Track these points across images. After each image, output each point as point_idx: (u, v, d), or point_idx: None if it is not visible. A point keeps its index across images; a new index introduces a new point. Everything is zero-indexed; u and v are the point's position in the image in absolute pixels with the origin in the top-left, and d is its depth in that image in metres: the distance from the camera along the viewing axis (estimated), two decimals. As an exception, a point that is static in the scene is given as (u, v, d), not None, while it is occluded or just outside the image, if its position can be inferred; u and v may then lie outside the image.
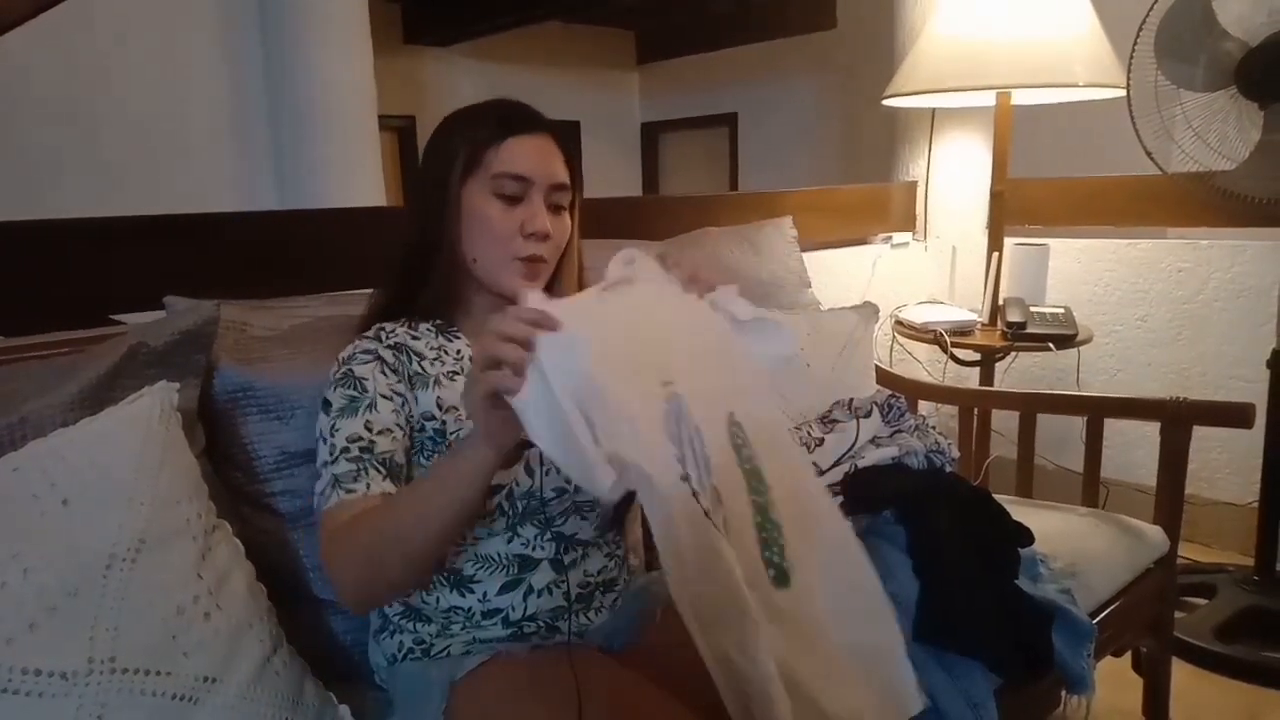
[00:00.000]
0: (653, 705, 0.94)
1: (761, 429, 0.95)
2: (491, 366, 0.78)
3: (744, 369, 0.99)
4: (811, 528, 0.95)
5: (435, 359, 1.08)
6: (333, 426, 1.00)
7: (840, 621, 0.90)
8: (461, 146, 1.07)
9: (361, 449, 0.98)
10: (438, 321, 1.13)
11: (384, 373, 1.04)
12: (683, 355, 0.92)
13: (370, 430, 1.00)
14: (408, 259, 1.12)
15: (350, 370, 1.03)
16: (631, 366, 0.84)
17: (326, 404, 1.03)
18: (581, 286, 1.18)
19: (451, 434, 1.03)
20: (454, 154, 1.07)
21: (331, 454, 0.98)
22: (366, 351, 1.05)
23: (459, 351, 1.10)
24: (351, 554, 0.93)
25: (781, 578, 0.89)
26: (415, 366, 1.06)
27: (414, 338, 1.09)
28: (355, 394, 1.01)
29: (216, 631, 0.91)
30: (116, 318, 1.34)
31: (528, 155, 1.07)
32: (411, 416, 1.04)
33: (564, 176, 1.10)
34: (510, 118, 1.08)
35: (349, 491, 0.95)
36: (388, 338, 1.08)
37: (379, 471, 0.97)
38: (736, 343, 0.99)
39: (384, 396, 1.02)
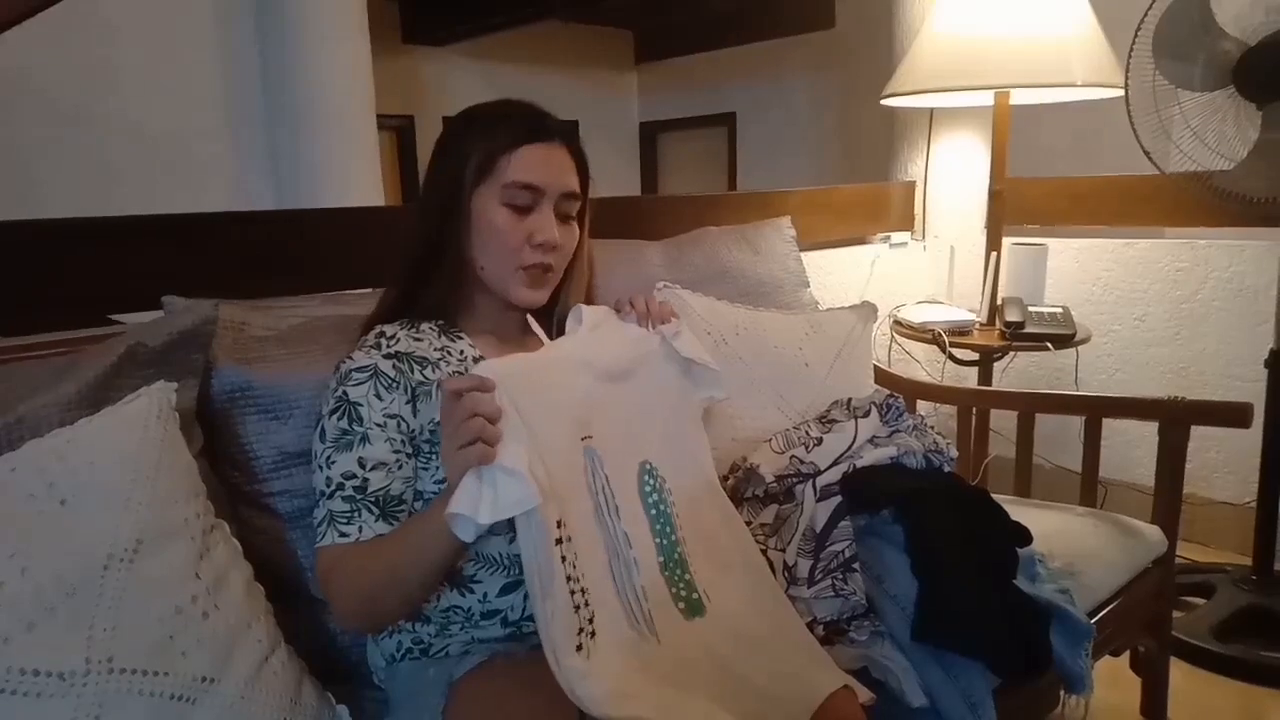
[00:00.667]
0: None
1: (679, 472, 1.11)
2: (468, 444, 0.87)
3: (675, 407, 1.14)
4: (733, 561, 1.11)
5: (439, 360, 1.07)
6: (328, 458, 1.00)
7: (763, 645, 1.03)
8: (474, 150, 1.06)
9: (355, 488, 0.99)
10: (439, 322, 1.12)
11: (379, 395, 1.02)
12: (608, 406, 1.06)
13: (363, 467, 1.00)
14: (413, 258, 1.11)
15: (345, 395, 1.02)
16: (555, 422, 0.98)
17: (323, 430, 1.02)
18: (591, 292, 1.18)
19: None
20: (466, 157, 1.06)
21: (327, 486, 1.00)
22: (363, 369, 1.03)
23: (462, 352, 1.10)
24: (349, 593, 0.98)
25: (694, 608, 1.04)
26: (418, 376, 1.05)
27: (416, 340, 1.08)
28: (348, 427, 1.01)
29: (214, 631, 0.91)
30: (114, 317, 1.34)
31: (540, 165, 1.06)
32: (413, 434, 1.04)
33: (575, 185, 1.10)
34: (525, 124, 1.08)
35: (342, 535, 0.98)
36: (388, 345, 1.06)
37: (372, 512, 0.99)
38: (673, 381, 1.15)
39: (378, 425, 1.01)
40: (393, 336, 1.08)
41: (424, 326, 1.11)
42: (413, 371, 1.05)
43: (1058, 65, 2.08)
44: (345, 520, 0.98)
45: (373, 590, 0.97)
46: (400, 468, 1.02)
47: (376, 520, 0.99)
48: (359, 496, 0.99)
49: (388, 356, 1.05)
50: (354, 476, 0.99)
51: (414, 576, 0.96)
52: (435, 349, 1.08)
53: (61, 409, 0.96)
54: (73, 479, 0.87)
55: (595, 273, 1.20)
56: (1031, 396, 1.91)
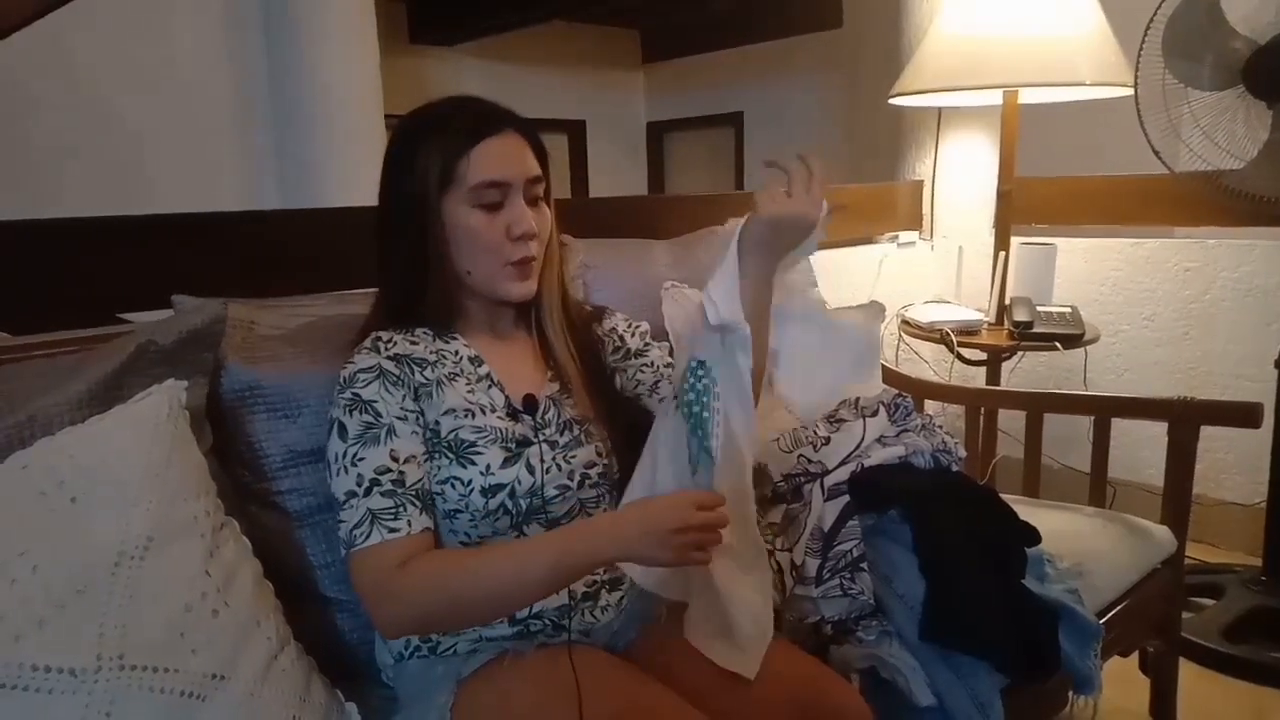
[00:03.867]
0: (657, 703, 0.95)
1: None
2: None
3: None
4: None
5: (435, 362, 1.07)
6: (355, 455, 0.98)
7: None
8: (431, 160, 1.04)
9: (394, 481, 0.97)
10: (434, 326, 1.12)
11: (389, 390, 1.02)
12: None
13: (397, 460, 0.98)
14: (399, 274, 1.09)
15: (357, 395, 1.01)
16: None
17: (341, 428, 1.00)
18: (562, 274, 1.17)
19: (448, 434, 1.03)
20: (426, 168, 1.04)
21: (360, 484, 0.96)
22: (367, 370, 1.03)
23: (457, 353, 1.10)
24: (424, 601, 0.94)
25: None
26: (418, 377, 1.05)
27: (412, 343, 1.08)
28: (370, 419, 0.99)
29: (224, 629, 0.91)
30: (124, 316, 1.34)
31: (501, 159, 1.05)
32: (426, 430, 1.03)
33: (537, 169, 1.08)
34: (475, 122, 1.06)
35: (392, 531, 0.95)
36: (386, 348, 1.06)
37: (415, 506, 0.97)
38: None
39: (399, 418, 1.00)
40: (389, 340, 1.07)
41: (418, 331, 1.10)
42: (413, 372, 1.05)
43: (1066, 64, 2.07)
44: (391, 516, 0.95)
45: (463, 605, 0.95)
46: (428, 460, 1.02)
47: (421, 513, 0.97)
48: (399, 490, 0.97)
49: (389, 358, 1.05)
50: (389, 470, 0.97)
51: (516, 599, 0.97)
52: (431, 351, 1.08)
53: (72, 407, 0.96)
54: (83, 477, 0.88)
55: (567, 260, 1.18)
56: (1040, 396, 1.91)
